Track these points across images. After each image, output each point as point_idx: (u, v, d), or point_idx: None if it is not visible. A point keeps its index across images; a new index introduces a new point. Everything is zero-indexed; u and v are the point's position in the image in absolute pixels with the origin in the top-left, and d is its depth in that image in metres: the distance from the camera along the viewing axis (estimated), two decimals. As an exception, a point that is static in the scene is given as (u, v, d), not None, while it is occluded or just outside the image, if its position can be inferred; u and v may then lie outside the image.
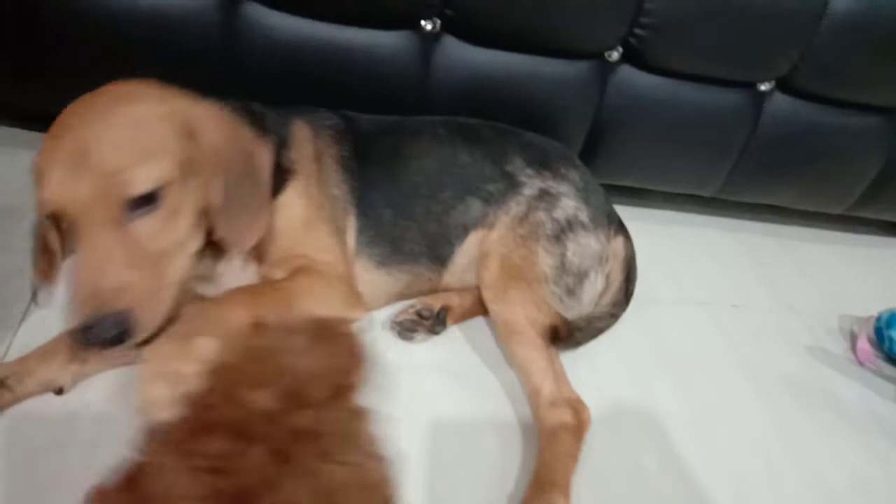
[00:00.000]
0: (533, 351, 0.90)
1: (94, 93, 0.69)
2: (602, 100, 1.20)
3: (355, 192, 0.93)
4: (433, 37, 1.10)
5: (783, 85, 1.23)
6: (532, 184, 1.00)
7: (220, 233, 0.73)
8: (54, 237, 0.71)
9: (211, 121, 0.72)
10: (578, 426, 0.85)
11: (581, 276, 0.98)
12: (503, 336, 0.94)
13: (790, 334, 1.23)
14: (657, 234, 1.37)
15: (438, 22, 1.08)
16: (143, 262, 0.63)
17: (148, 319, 0.63)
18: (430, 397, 0.91)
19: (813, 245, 1.53)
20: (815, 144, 1.31)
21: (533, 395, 0.89)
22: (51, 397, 0.78)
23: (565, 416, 0.85)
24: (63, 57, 1.04)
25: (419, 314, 0.98)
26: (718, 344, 1.16)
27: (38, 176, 0.64)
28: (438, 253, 0.99)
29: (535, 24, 1.09)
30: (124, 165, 0.62)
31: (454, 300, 1.02)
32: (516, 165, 1.01)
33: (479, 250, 0.99)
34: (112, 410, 0.78)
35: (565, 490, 0.77)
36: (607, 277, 1.04)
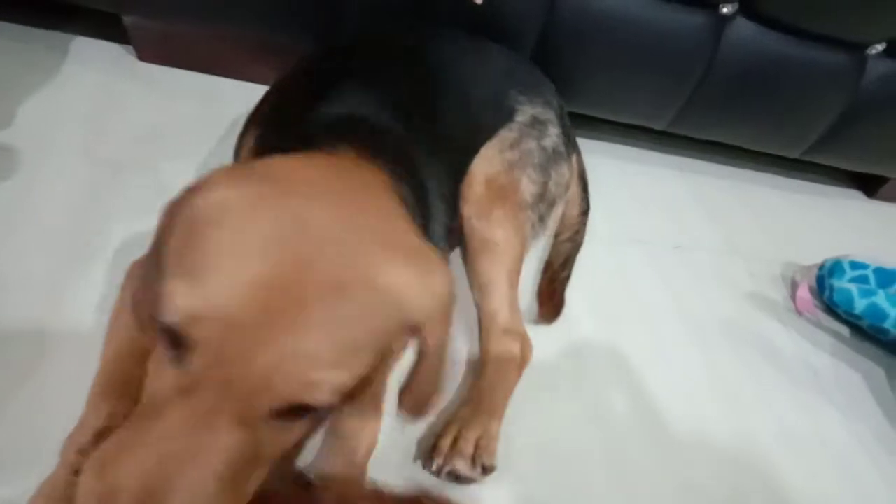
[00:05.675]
0: (502, 273, 0.88)
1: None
2: (550, 12, 1.08)
3: None
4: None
5: (747, 7, 1.12)
6: (524, 111, 0.97)
7: None
8: None
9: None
10: (522, 360, 0.85)
11: (552, 204, 0.98)
12: (476, 252, 0.90)
13: (731, 279, 1.16)
14: (602, 166, 1.27)
15: None
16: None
17: None
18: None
19: (763, 189, 1.46)
20: (776, 78, 1.21)
21: (487, 318, 0.87)
22: None
23: (514, 346, 0.85)
24: None
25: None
26: (655, 285, 1.09)
27: (196, 269, 0.40)
28: None
29: None
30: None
31: None
32: (510, 96, 0.97)
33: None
34: None
35: (500, 418, 0.78)
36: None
